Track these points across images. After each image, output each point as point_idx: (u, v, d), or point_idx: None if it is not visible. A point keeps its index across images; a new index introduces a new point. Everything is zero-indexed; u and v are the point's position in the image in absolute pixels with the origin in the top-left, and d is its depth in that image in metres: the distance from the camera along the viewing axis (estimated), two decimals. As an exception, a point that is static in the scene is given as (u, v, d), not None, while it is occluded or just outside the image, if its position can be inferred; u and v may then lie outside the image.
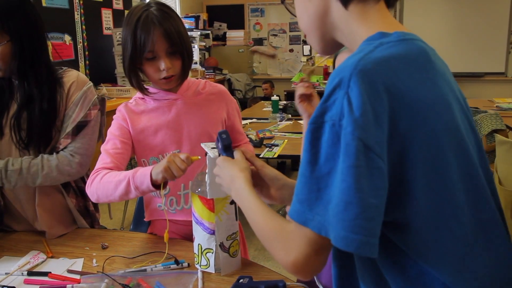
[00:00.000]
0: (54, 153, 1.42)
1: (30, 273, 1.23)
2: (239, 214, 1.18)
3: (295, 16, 0.89)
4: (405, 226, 0.67)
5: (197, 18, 6.71)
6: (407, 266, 0.70)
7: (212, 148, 1.14)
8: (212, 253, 1.19)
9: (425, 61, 0.71)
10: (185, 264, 1.26)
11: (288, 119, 4.11)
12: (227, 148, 1.02)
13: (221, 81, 6.96)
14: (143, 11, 1.29)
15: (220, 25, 7.53)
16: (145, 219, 1.54)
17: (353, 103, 0.62)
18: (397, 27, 0.76)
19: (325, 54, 0.88)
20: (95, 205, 1.63)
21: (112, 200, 1.29)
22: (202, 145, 1.17)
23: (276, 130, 3.64)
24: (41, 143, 1.41)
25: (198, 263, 1.23)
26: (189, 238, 1.39)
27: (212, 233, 1.18)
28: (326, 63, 4.63)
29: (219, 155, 1.07)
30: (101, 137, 1.55)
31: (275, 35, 7.70)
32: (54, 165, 1.40)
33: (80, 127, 1.44)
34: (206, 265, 1.21)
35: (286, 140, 3.25)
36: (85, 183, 1.58)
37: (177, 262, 1.26)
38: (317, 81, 5.90)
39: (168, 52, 1.31)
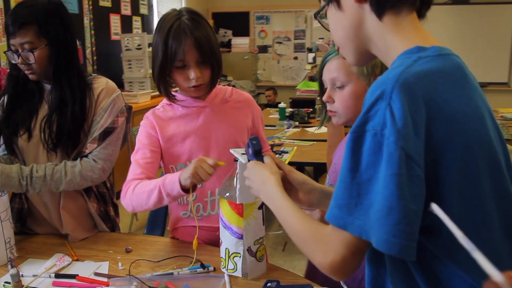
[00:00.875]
0: (78, 159, 1.44)
1: (58, 275, 1.25)
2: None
3: (328, 30, 0.91)
4: (438, 230, 0.70)
5: (203, 25, 6.74)
6: (438, 269, 0.73)
7: (242, 154, 1.16)
8: (240, 257, 1.20)
9: (461, 76, 0.75)
10: (211, 268, 1.27)
11: (295, 126, 4.13)
12: (258, 153, 1.04)
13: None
14: (175, 19, 1.31)
15: (226, 32, 7.57)
16: (168, 228, 1.55)
17: (396, 114, 0.65)
18: (432, 40, 0.79)
19: (359, 65, 0.91)
20: (116, 210, 1.65)
21: (147, 208, 1.33)
22: (232, 151, 1.19)
23: (284, 137, 3.65)
24: (69, 145, 1.43)
25: (225, 267, 1.24)
26: (213, 243, 1.41)
27: (240, 237, 1.19)
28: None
29: (249, 160, 1.09)
30: (126, 143, 1.57)
31: (280, 43, 7.74)
32: (77, 171, 1.41)
33: (106, 133, 1.45)
34: (233, 269, 1.22)
35: (295, 147, 3.27)
36: (106, 188, 1.60)
37: (203, 266, 1.27)
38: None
39: (198, 61, 1.32)
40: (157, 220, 2.11)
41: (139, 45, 4.73)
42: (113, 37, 4.90)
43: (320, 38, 7.38)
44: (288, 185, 1.08)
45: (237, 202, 1.17)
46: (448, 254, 0.71)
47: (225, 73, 7.06)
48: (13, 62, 1.41)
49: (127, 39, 4.80)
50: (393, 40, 0.78)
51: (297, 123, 4.23)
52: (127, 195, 1.34)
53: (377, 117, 0.66)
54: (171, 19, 1.31)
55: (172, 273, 1.24)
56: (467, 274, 0.71)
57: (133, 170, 1.38)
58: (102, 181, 1.52)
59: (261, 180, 0.98)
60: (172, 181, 1.25)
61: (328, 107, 1.25)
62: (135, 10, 5.34)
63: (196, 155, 1.41)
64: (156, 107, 1.49)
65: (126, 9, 5.15)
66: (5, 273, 1.27)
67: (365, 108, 0.69)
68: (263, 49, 7.78)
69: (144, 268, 1.30)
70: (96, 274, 1.26)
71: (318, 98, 4.71)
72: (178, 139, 1.42)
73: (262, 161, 1.03)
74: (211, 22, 7.15)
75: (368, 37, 0.81)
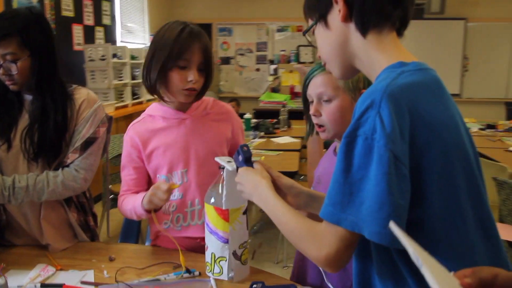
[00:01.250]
0: (60, 169, 1.45)
1: (44, 285, 1.25)
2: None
3: (314, 47, 0.99)
4: (421, 223, 0.79)
5: (166, 36, 6.75)
6: None
7: (228, 161, 1.21)
8: (226, 261, 1.25)
9: (438, 88, 0.85)
10: (196, 273, 1.31)
11: (261, 137, 4.21)
12: (248, 160, 1.11)
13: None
14: (186, 25, 1.37)
15: (188, 44, 7.59)
16: (151, 237, 1.58)
17: (384, 120, 0.74)
18: (410, 56, 0.89)
19: (344, 79, 1.00)
20: (95, 220, 1.66)
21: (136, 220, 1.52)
22: (217, 159, 1.24)
23: (251, 148, 3.72)
24: (51, 155, 1.44)
25: (210, 271, 1.28)
26: (195, 251, 1.45)
27: (226, 241, 1.24)
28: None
29: (237, 167, 1.15)
30: (105, 154, 1.59)
31: (242, 54, 7.84)
32: (59, 181, 1.43)
33: (88, 143, 1.47)
34: (219, 272, 1.27)
35: (263, 157, 3.34)
36: (86, 197, 1.61)
37: (188, 271, 1.31)
38: (285, 100, 6.05)
39: (199, 66, 1.38)
40: (131, 228, 2.13)
41: (103, 56, 4.69)
42: (76, 48, 4.83)
43: (281, 50, 7.56)
44: (277, 190, 1.13)
45: (223, 208, 1.22)
46: (430, 245, 0.78)
47: (188, 84, 7.06)
48: (-6, 73, 1.41)
49: (91, 50, 4.75)
50: (377, 56, 0.87)
51: (262, 133, 4.31)
52: (120, 208, 1.52)
53: (368, 124, 0.75)
54: (181, 24, 1.37)
55: (159, 279, 1.27)
56: (447, 261, 0.79)
57: (122, 187, 1.52)
58: (84, 191, 1.53)
59: (253, 184, 1.04)
60: (138, 205, 1.42)
61: (316, 120, 1.31)
62: (98, 20, 5.29)
63: (176, 167, 1.46)
64: (137, 120, 1.52)
65: (88, 19, 5.10)
66: (-13, 285, 1.26)
67: (356, 115, 0.78)
68: (226, 60, 7.85)
69: (130, 275, 1.32)
70: (83, 282, 1.27)
71: (282, 109, 4.83)
72: (159, 152, 1.46)
73: (252, 167, 1.10)
74: (173, 33, 7.16)
75: (353, 53, 0.90)
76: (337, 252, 0.79)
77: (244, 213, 1.27)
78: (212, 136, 1.50)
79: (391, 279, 0.85)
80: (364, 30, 0.86)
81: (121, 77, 5.05)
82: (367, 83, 1.27)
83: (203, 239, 1.41)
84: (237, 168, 1.15)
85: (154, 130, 1.47)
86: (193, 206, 1.48)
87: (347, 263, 0.83)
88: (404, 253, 0.80)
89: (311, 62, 7.54)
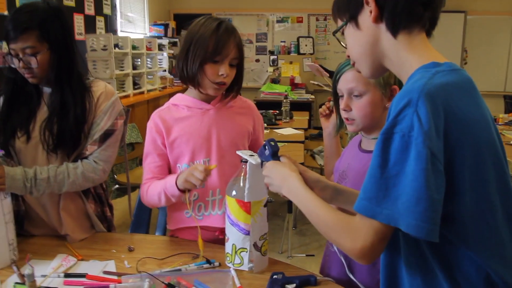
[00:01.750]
0: (79, 161, 1.47)
1: (67, 275, 1.27)
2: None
3: (344, 46, 1.01)
4: (453, 218, 0.82)
5: (166, 26, 6.73)
6: (450, 252, 0.85)
7: (250, 155, 1.24)
8: (246, 252, 1.28)
9: (471, 88, 0.88)
10: (216, 264, 1.34)
11: (264, 128, 4.22)
12: (275, 154, 1.13)
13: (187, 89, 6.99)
14: (221, 21, 1.41)
15: (188, 34, 7.57)
16: (169, 227, 1.60)
17: (422, 119, 0.77)
18: (440, 56, 0.91)
19: (374, 78, 1.03)
20: (111, 211, 1.68)
21: (163, 205, 1.51)
22: (239, 152, 1.27)
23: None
24: (70, 146, 1.45)
25: (231, 261, 1.31)
26: (213, 242, 1.48)
27: (247, 233, 1.27)
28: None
29: (262, 162, 1.17)
30: (123, 145, 1.61)
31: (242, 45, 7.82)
32: (79, 172, 1.44)
33: (106, 135, 1.49)
34: (240, 263, 1.29)
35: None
36: (103, 188, 1.63)
37: (208, 261, 1.34)
38: (285, 91, 6.06)
39: (231, 62, 1.42)
40: (142, 219, 2.14)
41: (104, 46, 4.67)
42: (77, 37, 4.81)
43: (281, 41, 7.55)
44: None
45: (245, 201, 1.25)
46: (461, 239, 0.83)
47: (188, 75, 7.06)
48: (13, 66, 1.42)
49: (92, 40, 4.73)
50: (407, 56, 0.90)
51: (265, 124, 4.32)
52: (144, 197, 1.51)
53: (405, 121, 0.78)
54: (215, 20, 1.41)
55: (180, 269, 1.30)
56: (477, 256, 0.83)
57: (146, 175, 1.52)
58: (102, 182, 1.55)
59: (282, 177, 1.07)
60: (171, 184, 1.42)
61: (345, 115, 1.33)
62: (99, 10, 5.27)
63: (198, 156, 1.48)
64: (161, 108, 1.54)
65: (89, 9, 5.07)
66: (10, 274, 1.28)
67: (392, 113, 0.80)
68: (225, 51, 7.83)
69: (151, 265, 1.34)
70: (105, 272, 1.29)
71: (284, 100, 4.84)
72: (182, 140, 1.48)
73: (279, 161, 1.12)
74: (172, 23, 7.14)
75: (383, 53, 0.93)
76: (371, 245, 0.82)
77: (265, 205, 1.30)
78: (235, 128, 1.53)
79: (420, 272, 0.88)
80: (394, 31, 0.89)
81: (122, 67, 5.03)
82: (398, 79, 1.29)
83: (221, 231, 1.44)
84: (262, 162, 1.17)
85: (178, 118, 1.50)
86: (214, 196, 1.50)
87: (380, 255, 0.86)
88: (435, 246, 0.84)
89: (311, 54, 7.55)
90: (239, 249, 1.29)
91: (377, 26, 0.90)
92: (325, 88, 4.21)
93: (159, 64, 6.24)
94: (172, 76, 6.58)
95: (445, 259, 0.85)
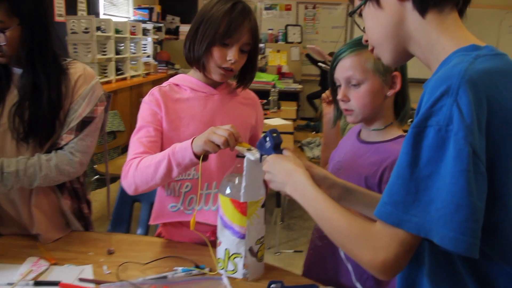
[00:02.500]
0: (53, 152, 1.31)
1: (37, 282, 1.12)
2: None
3: (362, 29, 0.88)
4: (495, 229, 0.70)
5: (151, 10, 6.49)
6: (487, 267, 0.73)
7: (248, 150, 1.10)
8: (241, 257, 1.14)
9: None
10: (207, 270, 1.20)
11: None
12: (277, 146, 1.00)
13: (173, 76, 6.79)
14: (238, 1, 1.26)
15: (173, 19, 7.34)
16: (150, 223, 1.44)
17: (463, 110, 0.64)
18: (475, 39, 0.78)
19: (395, 65, 0.89)
20: (89, 207, 1.52)
21: (153, 185, 1.22)
22: (236, 147, 1.12)
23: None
24: (43, 135, 1.29)
25: (223, 268, 1.17)
26: (203, 244, 1.34)
27: (243, 237, 1.13)
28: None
29: (261, 155, 1.03)
30: (103, 134, 1.45)
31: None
32: (53, 165, 1.29)
33: (85, 123, 1.33)
34: (233, 270, 1.16)
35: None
36: (80, 182, 1.47)
37: (198, 267, 1.20)
38: (273, 80, 5.92)
39: (242, 47, 1.28)
40: (123, 215, 1.99)
41: (86, 29, 4.45)
42: (57, 19, 4.57)
43: (269, 29, 7.39)
44: None
45: (241, 201, 1.11)
46: (501, 254, 0.70)
47: (173, 61, 6.86)
48: (-23, 42, 1.25)
49: (73, 22, 4.50)
50: (438, 38, 0.77)
51: (253, 114, 4.18)
52: (130, 172, 1.23)
53: (442, 113, 0.65)
54: (232, 0, 1.26)
55: (166, 276, 1.16)
56: None
57: (135, 149, 1.27)
58: (79, 175, 1.39)
59: (286, 172, 0.94)
60: (184, 148, 1.16)
61: (344, 105, 1.23)
62: (80, -10, 5.02)
63: None
64: (162, 85, 1.38)
65: (70, -11, 4.83)
66: (-28, 281, 1.13)
67: (426, 103, 0.67)
68: (212, 38, 7.64)
69: (133, 271, 1.20)
70: (81, 279, 1.14)
71: (272, 90, 4.70)
72: (182, 123, 1.33)
73: (282, 154, 0.99)
74: (158, 8, 6.91)
75: (408, 35, 0.80)
76: (396, 258, 0.70)
77: (263, 206, 1.16)
78: (239, 118, 1.39)
79: (449, 284, 0.76)
80: (423, 9, 0.77)
81: (104, 51, 4.81)
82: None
83: (213, 233, 1.31)
84: (261, 156, 1.03)
85: (180, 99, 1.35)
86: (210, 189, 1.35)
87: (402, 270, 0.73)
88: (471, 261, 0.71)
89: (300, 42, 7.41)
90: (232, 254, 1.15)
91: (402, 4, 0.78)
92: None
93: (143, 50, 6.03)
94: (156, 62, 6.37)
95: (481, 276, 0.73)
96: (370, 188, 1.15)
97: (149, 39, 6.22)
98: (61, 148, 1.32)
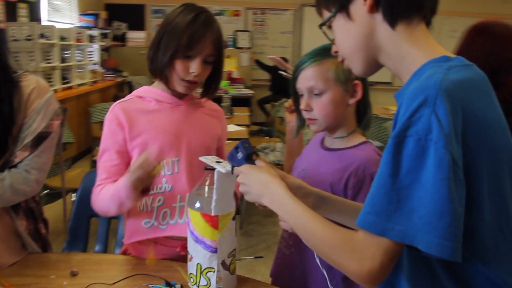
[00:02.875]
0: (6, 171, 1.23)
1: (-4, 312, 1.05)
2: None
3: (331, 41, 0.90)
4: (472, 232, 0.72)
5: (97, 16, 6.30)
6: (464, 268, 0.75)
7: (216, 162, 1.08)
8: (214, 272, 1.12)
9: (487, 86, 0.78)
10: (178, 286, 1.17)
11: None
12: (250, 157, 0.99)
13: (121, 84, 6.64)
14: (200, 11, 1.24)
15: (120, 25, 7.16)
16: (125, 242, 1.38)
17: (442, 120, 0.66)
18: (444, 49, 0.81)
19: (366, 75, 0.91)
20: (47, 227, 1.44)
21: (114, 214, 1.29)
22: (202, 158, 1.10)
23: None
24: None
25: (195, 283, 1.14)
26: (174, 259, 1.31)
27: (215, 251, 1.11)
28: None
29: (232, 167, 1.02)
30: (60, 150, 1.38)
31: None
32: (7, 184, 1.21)
33: (40, 139, 1.26)
34: (206, 285, 1.13)
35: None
36: (35, 201, 1.40)
37: (169, 284, 1.17)
38: (224, 86, 5.90)
39: (206, 58, 1.26)
40: (79, 231, 1.91)
41: (28, 36, 4.25)
42: (-4, 26, 4.34)
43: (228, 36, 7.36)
44: None
45: (213, 214, 1.09)
46: (478, 255, 0.73)
47: (121, 68, 6.69)
48: None
49: (14, 29, 4.29)
50: (408, 48, 0.79)
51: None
52: (95, 201, 1.29)
53: (421, 123, 0.67)
54: (195, 10, 1.24)
55: (136, 296, 1.12)
56: (492, 272, 0.74)
57: (99, 175, 1.30)
58: (35, 194, 1.32)
59: (262, 184, 0.92)
60: (123, 185, 1.18)
61: (307, 115, 1.23)
62: (20, -4, 4.79)
63: (167, 155, 1.31)
64: (123, 99, 1.35)
65: (10, -5, 4.60)
66: None
67: (405, 114, 0.69)
68: (160, 44, 7.51)
69: (100, 293, 1.15)
70: (45, 305, 1.08)
71: (225, 96, 4.68)
72: (149, 136, 1.30)
73: (254, 165, 0.98)
74: (104, 14, 6.72)
75: (378, 46, 0.82)
76: (381, 266, 0.71)
77: (233, 218, 1.14)
78: (206, 129, 1.38)
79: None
80: (393, 21, 0.79)
81: (49, 59, 4.61)
82: None
83: (182, 247, 1.28)
84: (233, 167, 1.02)
85: (145, 111, 1.32)
86: (183, 201, 1.32)
87: (387, 277, 0.74)
88: (448, 264, 0.74)
89: (249, 48, 7.44)
90: (205, 269, 1.13)
91: (372, 16, 0.80)
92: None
93: (90, 57, 5.83)
94: (104, 70, 6.19)
95: (459, 277, 0.75)
96: (336, 194, 1.17)
97: (96, 46, 6.03)
98: (15, 166, 1.25)
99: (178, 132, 1.32)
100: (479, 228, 0.72)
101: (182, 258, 1.30)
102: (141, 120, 1.30)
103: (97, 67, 6.04)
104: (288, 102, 1.47)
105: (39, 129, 1.26)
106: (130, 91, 5.32)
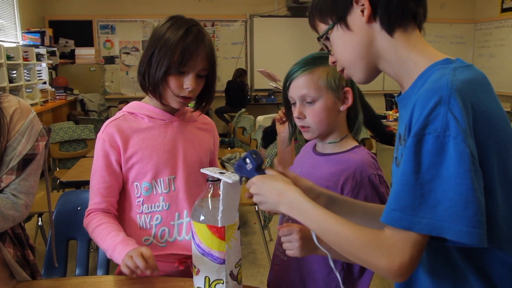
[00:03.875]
0: None
1: None
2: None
3: (329, 52, 0.94)
4: (489, 219, 0.76)
5: (42, 34, 6.07)
6: (481, 254, 0.80)
7: (220, 173, 1.08)
8: (223, 283, 1.12)
9: (488, 84, 0.84)
10: (184, 302, 1.16)
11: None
12: (259, 167, 1.00)
13: (73, 102, 6.43)
14: (192, 25, 1.22)
15: (67, 42, 6.95)
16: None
17: (457, 117, 0.72)
18: (441, 53, 0.87)
19: (367, 82, 0.95)
20: (34, 253, 1.38)
21: None
22: (204, 170, 1.10)
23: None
24: None
25: (204, 297, 1.14)
26: (168, 274, 1.29)
27: (223, 262, 1.11)
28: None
29: (241, 178, 1.03)
30: (45, 172, 1.33)
31: (128, 53, 7.43)
32: None
33: (26, 161, 1.21)
34: (216, 298, 1.13)
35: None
36: (21, 227, 1.34)
37: (175, 300, 1.15)
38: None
39: (199, 72, 1.25)
40: (57, 255, 1.83)
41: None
42: None
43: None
44: None
45: (219, 225, 1.09)
46: (494, 241, 0.77)
47: (71, 86, 6.49)
48: None
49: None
50: (408, 53, 0.85)
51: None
52: (89, 231, 1.29)
53: (438, 121, 0.72)
54: (184, 24, 1.22)
55: (144, 315, 1.10)
56: (508, 256, 0.79)
57: (93, 198, 1.28)
58: (24, 219, 1.26)
59: (278, 192, 0.93)
60: (118, 258, 1.19)
61: (300, 123, 1.25)
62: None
63: (162, 173, 1.30)
64: (115, 117, 1.32)
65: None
66: None
67: (422, 114, 0.73)
68: (110, 60, 7.37)
69: (104, 316, 1.12)
70: (50, 334, 1.04)
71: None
72: (144, 154, 1.28)
73: (265, 174, 0.99)
74: (49, 31, 6.50)
75: (378, 54, 0.87)
76: (410, 259, 0.74)
77: (238, 228, 1.15)
78: (200, 144, 1.37)
79: (449, 280, 0.83)
80: (390, 28, 0.84)
81: (-4, 80, 4.41)
82: (350, 81, 1.24)
83: (181, 262, 1.27)
84: (241, 178, 1.03)
85: (138, 129, 1.29)
86: (181, 219, 1.31)
87: (414, 270, 0.78)
88: (465, 251, 0.79)
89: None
90: (213, 281, 1.12)
91: (370, 26, 0.85)
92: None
93: (39, 76, 5.62)
94: (53, 89, 5.97)
95: (478, 264, 0.81)
96: None
97: (44, 64, 5.82)
98: (1, 191, 1.19)
99: (173, 149, 1.31)
100: (495, 214, 0.77)
101: (180, 273, 1.29)
102: (135, 139, 1.29)
103: (47, 86, 5.83)
104: (279, 114, 1.49)
105: (25, 151, 1.22)
106: (83, 109, 5.20)
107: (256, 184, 0.97)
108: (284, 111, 1.46)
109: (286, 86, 1.26)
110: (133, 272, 1.12)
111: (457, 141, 0.71)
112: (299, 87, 1.23)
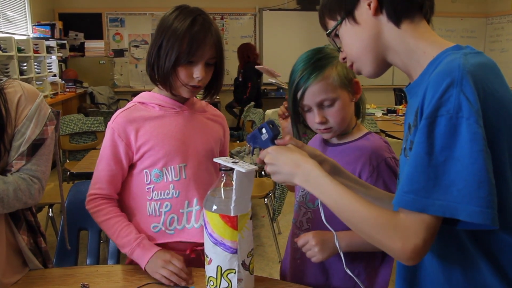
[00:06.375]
0: (9, 175, 1.18)
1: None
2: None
3: (338, 48, 0.94)
4: (499, 202, 0.75)
5: (52, 27, 6.09)
6: (491, 239, 0.80)
7: (233, 162, 1.08)
8: (235, 273, 1.12)
9: (498, 69, 0.84)
10: (196, 291, 1.16)
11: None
12: (276, 138, 1.00)
13: (83, 95, 6.46)
14: (197, 14, 1.22)
15: (77, 35, 6.97)
16: None
17: (470, 98, 0.72)
18: (448, 42, 0.87)
19: (376, 76, 0.94)
20: (45, 241, 1.38)
21: None
22: (217, 160, 1.10)
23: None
24: None
25: (216, 286, 1.13)
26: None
27: (235, 252, 1.11)
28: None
29: (253, 148, 1.03)
30: (56, 156, 1.32)
31: (137, 46, 7.43)
32: (11, 189, 1.15)
33: (36, 146, 1.21)
34: (228, 286, 1.12)
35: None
36: (33, 214, 1.34)
37: (187, 290, 1.15)
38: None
39: (208, 61, 1.25)
40: (69, 245, 1.84)
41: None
42: None
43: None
44: None
45: (232, 215, 1.08)
46: (504, 225, 0.76)
47: (80, 79, 6.51)
48: None
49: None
50: (416, 43, 0.85)
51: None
52: (96, 220, 1.32)
53: (450, 102, 0.72)
54: (192, 12, 1.22)
55: (156, 304, 1.10)
56: None
57: (96, 183, 1.30)
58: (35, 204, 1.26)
59: (294, 163, 0.92)
60: (141, 258, 1.26)
61: (322, 126, 1.23)
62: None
63: (173, 161, 1.30)
64: (126, 107, 1.32)
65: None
66: None
67: (435, 96, 0.73)
68: (119, 53, 7.38)
69: (117, 304, 1.12)
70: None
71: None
72: (156, 141, 1.28)
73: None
74: (59, 24, 6.52)
75: (386, 45, 0.88)
76: (424, 242, 0.74)
77: (251, 218, 1.14)
78: (210, 134, 1.37)
79: (458, 264, 0.82)
80: (397, 20, 0.85)
81: (7, 72, 4.43)
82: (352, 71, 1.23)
83: (192, 250, 1.27)
84: (253, 149, 1.03)
85: (150, 117, 1.30)
86: (190, 207, 1.31)
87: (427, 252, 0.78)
88: (475, 235, 0.79)
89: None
90: (225, 271, 1.12)
91: (377, 18, 0.87)
92: (283, 85, 4.14)
93: (49, 69, 5.64)
94: (63, 82, 6.00)
95: (487, 249, 0.80)
96: None
97: (54, 57, 5.85)
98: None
99: (184, 137, 1.31)
100: (506, 198, 0.76)
101: (191, 262, 1.29)
102: (146, 127, 1.29)
103: (57, 79, 5.86)
104: (281, 109, 1.46)
105: (34, 136, 1.21)
106: (93, 102, 5.20)
107: (272, 153, 0.96)
108: (286, 105, 1.43)
109: (300, 95, 1.21)
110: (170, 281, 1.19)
111: (470, 122, 0.70)
112: (316, 94, 1.20)
